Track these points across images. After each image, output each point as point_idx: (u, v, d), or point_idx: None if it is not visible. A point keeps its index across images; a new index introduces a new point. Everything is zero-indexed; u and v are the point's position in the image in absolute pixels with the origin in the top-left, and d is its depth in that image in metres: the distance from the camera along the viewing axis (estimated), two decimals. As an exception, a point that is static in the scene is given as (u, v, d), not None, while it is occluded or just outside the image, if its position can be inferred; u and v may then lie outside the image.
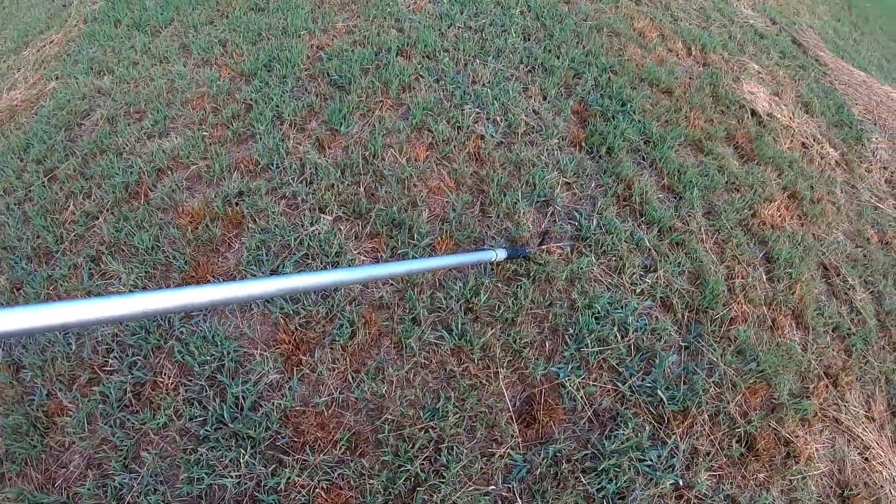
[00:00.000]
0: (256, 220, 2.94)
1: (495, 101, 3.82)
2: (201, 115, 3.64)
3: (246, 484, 2.16)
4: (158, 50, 4.41)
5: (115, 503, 2.16)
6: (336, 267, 2.72)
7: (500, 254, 2.19)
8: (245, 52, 4.16)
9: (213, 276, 2.72)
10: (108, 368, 2.47)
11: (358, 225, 2.96)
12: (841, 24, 9.28)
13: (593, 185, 3.42)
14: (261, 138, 3.39)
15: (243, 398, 2.33)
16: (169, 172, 3.29)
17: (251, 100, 3.70)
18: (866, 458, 2.98)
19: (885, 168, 5.22)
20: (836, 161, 4.88)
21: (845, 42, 8.34)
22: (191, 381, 2.41)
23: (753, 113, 4.77)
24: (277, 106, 3.61)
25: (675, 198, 3.56)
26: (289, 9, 4.70)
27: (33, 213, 3.23)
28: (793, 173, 4.26)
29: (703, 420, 2.60)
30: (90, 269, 2.85)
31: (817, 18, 8.79)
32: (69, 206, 3.20)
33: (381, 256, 2.83)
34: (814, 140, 4.89)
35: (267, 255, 2.78)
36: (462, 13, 4.82)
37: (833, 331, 3.38)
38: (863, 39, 9.15)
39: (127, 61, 4.34)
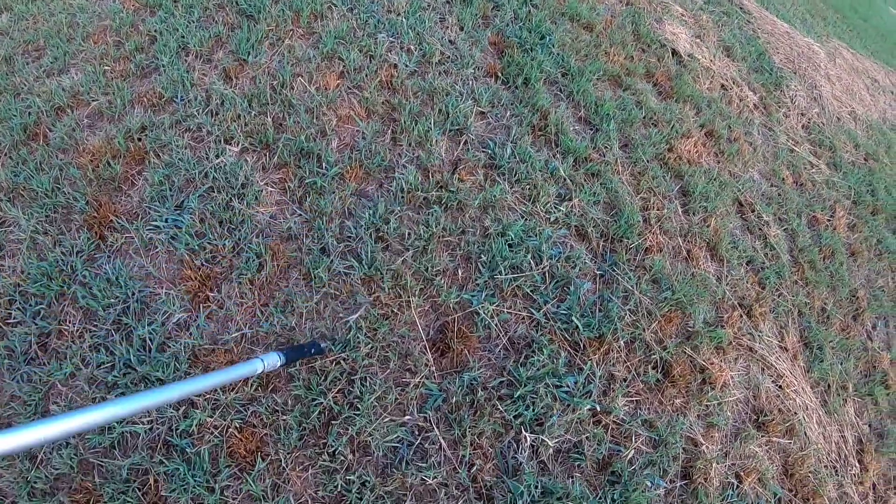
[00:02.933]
0: (160, 154, 2.89)
1: (410, 31, 3.82)
2: (103, 49, 3.51)
3: (158, 429, 2.16)
4: None
5: (28, 463, 2.12)
6: (240, 197, 2.69)
7: (271, 360, 1.74)
8: None
9: (116, 216, 2.66)
10: (12, 321, 2.41)
11: (265, 156, 2.94)
12: (766, -22, 9.69)
13: (508, 114, 3.48)
14: (165, 70, 3.31)
15: (150, 340, 2.32)
16: (69, 111, 3.18)
17: (156, 31, 3.59)
18: (780, 386, 3.21)
19: (802, 114, 5.54)
20: (755, 104, 5.14)
21: (770, -6, 8.73)
22: (96, 326, 2.37)
23: (674, 53, 4.96)
24: (183, 37, 3.51)
25: (592, 130, 3.67)
26: None
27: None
28: (711, 112, 4.48)
29: (618, 347, 2.72)
30: None
31: (743, -31, 9.16)
32: None
33: (289, 187, 2.82)
34: (733, 83, 5.13)
35: (171, 191, 2.74)
36: None
37: (747, 264, 3.59)
38: (787, -7, 9.59)
39: None
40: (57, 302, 2.46)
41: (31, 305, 2.44)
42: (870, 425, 3.61)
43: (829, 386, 3.47)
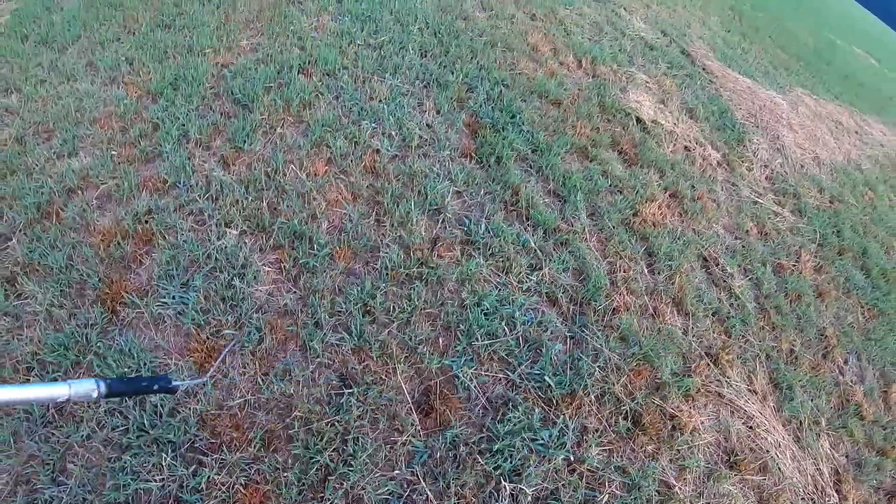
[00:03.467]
0: (166, 236, 3.15)
1: (391, 117, 4.18)
2: (109, 134, 3.80)
3: (169, 486, 2.35)
4: (66, 67, 4.54)
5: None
6: (241, 277, 2.99)
7: (83, 388, 1.37)
8: (152, 71, 4.37)
9: (127, 292, 2.89)
10: None
11: (262, 238, 3.22)
12: (731, 35, 10.22)
13: (482, 192, 3.81)
14: (168, 157, 3.60)
15: (161, 406, 2.53)
16: (79, 192, 3.42)
17: (158, 118, 3.90)
18: (751, 427, 3.44)
19: (765, 166, 5.90)
20: (718, 161, 5.50)
21: (734, 51, 9.21)
22: None
23: (638, 120, 5.34)
24: (184, 125, 3.83)
25: (561, 201, 4.00)
26: (194, 26, 4.96)
27: (-57, 239, 3.31)
28: (675, 174, 4.82)
29: (590, 401, 2.98)
30: (6, 290, 2.92)
31: (708, 29, 9.67)
32: None
33: (285, 267, 3.09)
34: (697, 143, 5.49)
35: (177, 270, 2.99)
36: (362, 30, 5.23)
37: (713, 315, 3.86)
38: (751, 48, 10.09)
39: (34, 79, 4.43)
40: (73, 370, 2.63)
41: (48, 373, 2.61)
42: (847, 456, 3.81)
43: (801, 423, 3.69)
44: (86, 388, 1.38)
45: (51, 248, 3.08)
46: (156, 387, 1.76)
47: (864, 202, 6.88)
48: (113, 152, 3.65)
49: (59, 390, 1.31)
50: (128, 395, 2.17)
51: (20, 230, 3.21)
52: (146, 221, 3.22)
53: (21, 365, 2.64)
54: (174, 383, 1.78)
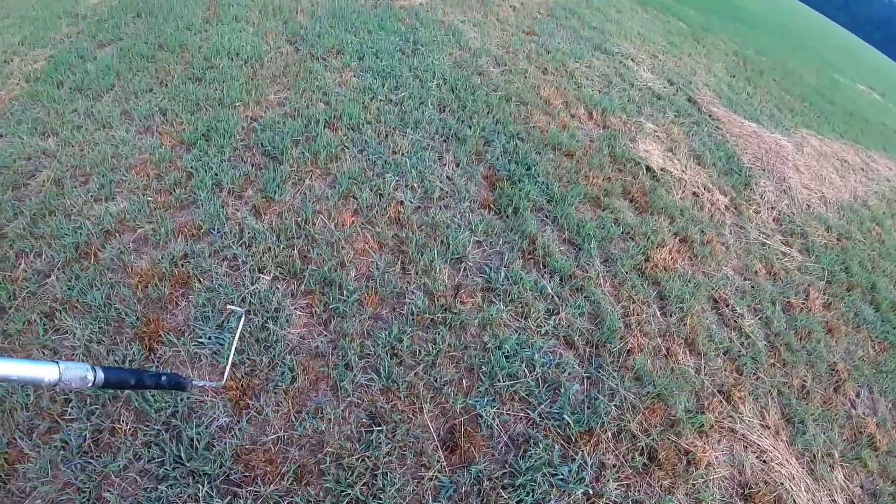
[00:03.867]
0: (201, 280, 3.31)
1: (413, 170, 4.40)
2: (145, 181, 3.97)
3: None
4: (101, 114, 4.70)
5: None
6: (274, 320, 3.15)
7: (75, 373, 1.25)
8: (185, 122, 4.56)
9: (164, 332, 3.03)
10: (68, 417, 2.70)
11: (294, 284, 3.40)
12: (736, 80, 10.43)
13: (501, 242, 3.99)
14: (202, 204, 3.77)
15: (198, 440, 2.65)
16: (117, 235, 3.57)
17: (192, 167, 4.08)
18: (764, 461, 3.52)
19: (772, 208, 6.04)
20: (726, 206, 5.65)
21: (738, 96, 9.40)
22: (148, 426, 2.69)
23: (648, 169, 5.52)
24: (216, 174, 4.02)
25: (575, 249, 4.17)
26: (224, 80, 5.18)
27: (-17, 270, 3.46)
28: (684, 220, 4.98)
29: (607, 438, 3.11)
30: (45, 324, 3.03)
31: (713, 76, 9.90)
32: (20, 264, 3.39)
33: (316, 311, 3.26)
34: (704, 189, 5.66)
35: (213, 312, 3.14)
36: (384, 86, 5.49)
37: (724, 354, 3.97)
38: (756, 92, 10.28)
39: (71, 124, 4.58)
40: (111, 402, 2.75)
41: (85, 405, 2.71)
42: (861, 487, 3.85)
43: (814, 455, 3.75)
44: (78, 372, 1.25)
45: (89, 286, 3.23)
46: (164, 380, 1.67)
47: (872, 238, 6.96)
48: (149, 198, 3.83)
49: (47, 371, 1.19)
50: (131, 388, 1.77)
51: (59, 268, 3.36)
52: (182, 265, 3.39)
53: (59, 396, 2.76)
54: (187, 381, 1.73)
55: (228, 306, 2.18)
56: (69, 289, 3.20)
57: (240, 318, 2.48)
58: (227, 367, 2.10)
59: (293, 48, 6.11)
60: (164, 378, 1.66)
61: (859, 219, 7.24)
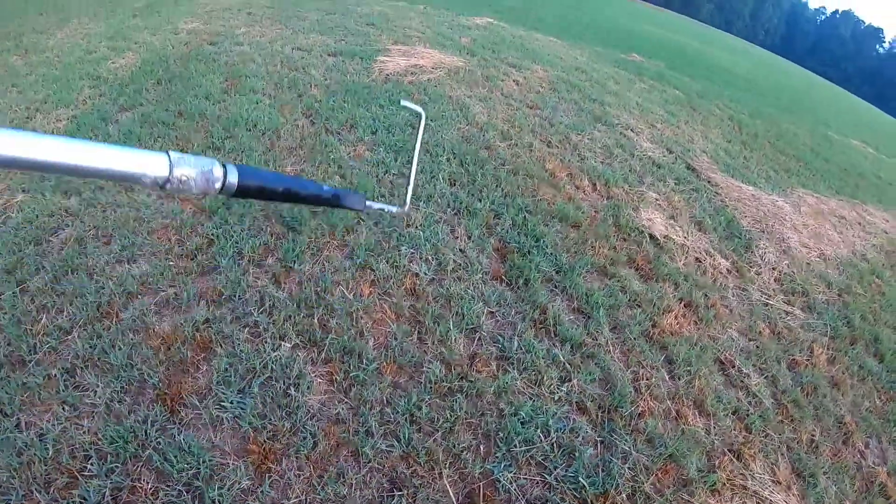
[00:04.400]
0: (223, 344, 3.39)
1: (427, 243, 4.57)
2: (167, 245, 4.08)
3: None
4: None
5: None
6: (296, 386, 3.24)
7: (188, 168, 0.86)
8: None
9: (187, 394, 3.11)
10: (87, 473, 2.73)
11: (314, 352, 3.50)
12: (732, 145, 10.67)
13: (513, 312, 4.14)
14: (223, 271, 3.88)
15: (220, 501, 2.70)
16: (138, 297, 3.64)
17: (213, 235, 4.20)
18: (776, 514, 3.58)
19: (773, 269, 6.16)
20: (728, 269, 5.78)
21: (735, 161, 9.62)
22: (169, 486, 2.74)
23: (651, 237, 5.69)
24: (237, 242, 4.15)
25: (585, 318, 4.30)
26: (243, 150, 5.40)
27: (5, 321, 3.42)
28: (688, 285, 5.11)
29: (622, 499, 3.18)
30: (65, 380, 3.06)
31: (710, 142, 10.16)
32: (41, 319, 3.43)
33: (336, 379, 3.36)
34: (706, 254, 5.80)
35: (235, 377, 3.22)
36: (396, 160, 5.73)
37: (733, 413, 4.04)
38: (752, 156, 10.50)
39: (93, 185, 4.68)
40: (131, 462, 2.76)
41: (105, 462, 2.72)
42: (875, 535, 3.87)
43: (827, 508, 3.81)
44: (199, 166, 0.88)
45: (111, 345, 3.26)
46: (331, 195, 1.24)
47: (873, 290, 7.03)
48: (171, 262, 3.93)
49: (152, 162, 0.82)
50: (280, 199, 1.17)
51: (80, 325, 3.39)
52: (204, 330, 3.46)
53: (79, 452, 2.79)
54: (361, 198, 1.33)
55: (403, 102, 1.75)
56: (91, 347, 3.25)
57: (420, 118, 1.79)
58: (409, 191, 1.79)
59: (308, 121, 6.41)
60: (332, 193, 1.25)
61: (859, 273, 7.33)
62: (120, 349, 3.24)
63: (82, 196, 4.55)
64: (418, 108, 1.77)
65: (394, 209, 1.58)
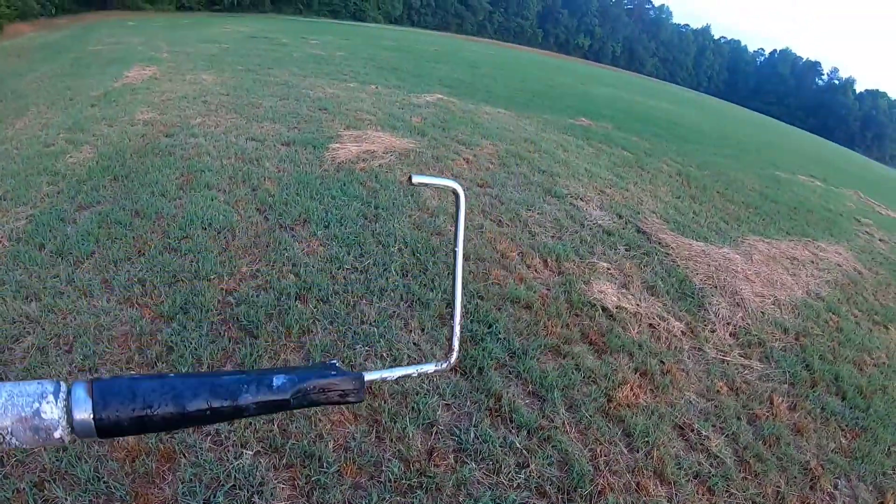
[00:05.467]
0: (186, 455, 3.41)
1: (381, 339, 4.66)
2: (127, 353, 4.07)
3: None
4: (82, 282, 4.80)
5: None
6: (259, 493, 3.31)
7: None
8: (163, 294, 4.73)
9: None
10: None
11: (276, 457, 3.52)
12: (681, 201, 11.04)
13: (469, 402, 4.22)
14: None
15: None
16: None
17: (172, 342, 4.21)
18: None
19: (728, 323, 6.35)
20: (682, 331, 5.95)
21: (685, 217, 9.95)
22: None
23: (604, 309, 5.87)
24: (196, 349, 4.17)
25: (540, 400, 4.40)
26: (199, 251, 5.44)
27: (-32, 434, 3.51)
28: (642, 354, 5.26)
29: (589, 585, 3.24)
30: (34, 494, 3.01)
31: (659, 201, 10.53)
32: None
33: (298, 483, 3.39)
34: (660, 319, 5.98)
35: (199, 487, 3.23)
36: (349, 254, 5.86)
37: (694, 478, 4.12)
38: (701, 209, 10.84)
39: (53, 290, 4.65)
40: None
41: None
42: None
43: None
44: (23, 404, 0.67)
45: (77, 459, 3.23)
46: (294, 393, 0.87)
47: (830, 328, 7.25)
48: (132, 372, 3.88)
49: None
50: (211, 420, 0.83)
51: None
52: (167, 440, 3.49)
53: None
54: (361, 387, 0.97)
55: (415, 178, 1.04)
56: (58, 460, 3.23)
57: (458, 199, 1.14)
58: (456, 334, 1.19)
59: (262, 217, 6.51)
60: (290, 381, 0.87)
61: (815, 313, 7.56)
62: (86, 462, 3.26)
63: (42, 301, 4.54)
64: (450, 184, 1.12)
65: (431, 367, 1.12)
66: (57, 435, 0.67)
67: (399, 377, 1.12)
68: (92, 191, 6.65)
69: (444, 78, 22.88)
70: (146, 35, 23.97)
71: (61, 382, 0.71)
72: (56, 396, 0.68)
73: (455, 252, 1.14)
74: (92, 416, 0.69)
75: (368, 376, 1.01)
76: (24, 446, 0.68)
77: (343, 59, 23.91)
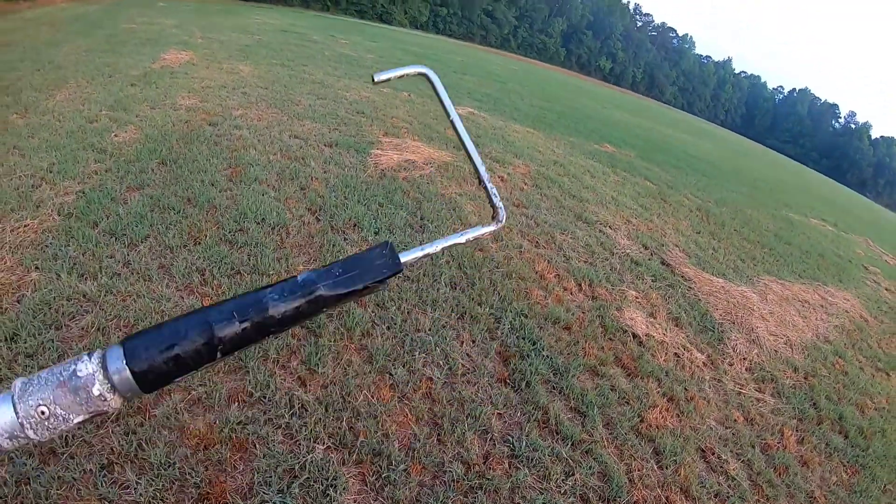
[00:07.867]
0: (258, 445, 3.48)
1: (437, 348, 4.97)
2: None
3: None
4: (139, 265, 4.80)
5: None
6: (333, 487, 3.61)
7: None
8: (223, 285, 4.81)
9: (229, 494, 3.14)
10: None
11: (346, 453, 3.75)
12: (701, 236, 11.43)
13: (519, 413, 4.62)
14: (252, 372, 3.99)
15: None
16: (169, 394, 3.65)
17: None
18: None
19: (744, 359, 6.76)
20: (703, 362, 6.37)
21: (705, 252, 10.35)
22: None
23: (634, 336, 6.29)
24: (260, 345, 4.09)
25: (581, 416, 4.80)
26: (255, 245, 5.53)
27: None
28: (669, 380, 5.68)
29: (624, 582, 3.66)
30: (103, 475, 3.02)
31: (681, 235, 10.93)
32: None
33: (368, 479, 3.64)
34: (684, 349, 6.40)
35: (273, 477, 3.38)
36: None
37: (715, 496, 4.52)
38: (720, 246, 11.25)
39: (109, 271, 4.63)
40: None
41: None
42: None
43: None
44: (60, 375, 0.69)
45: (147, 442, 3.27)
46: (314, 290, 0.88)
47: (836, 371, 7.67)
48: None
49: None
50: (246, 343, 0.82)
51: (111, 420, 3.35)
52: (240, 430, 3.56)
53: None
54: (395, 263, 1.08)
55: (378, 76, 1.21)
56: (127, 443, 3.24)
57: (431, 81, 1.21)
58: (494, 194, 1.24)
59: (314, 217, 6.61)
60: (309, 280, 0.88)
61: (823, 355, 7.96)
62: (157, 447, 3.26)
63: (99, 281, 4.52)
64: (415, 69, 1.19)
65: (486, 230, 1.17)
66: (96, 391, 0.67)
67: (448, 246, 1.11)
68: (140, 173, 6.60)
69: (473, 91, 23.03)
70: (177, 18, 23.03)
71: (94, 351, 0.72)
72: (90, 357, 0.70)
73: (452, 122, 1.13)
74: (126, 367, 0.68)
75: (405, 257, 1.03)
76: (71, 415, 0.68)
77: (373, 61, 23.83)
